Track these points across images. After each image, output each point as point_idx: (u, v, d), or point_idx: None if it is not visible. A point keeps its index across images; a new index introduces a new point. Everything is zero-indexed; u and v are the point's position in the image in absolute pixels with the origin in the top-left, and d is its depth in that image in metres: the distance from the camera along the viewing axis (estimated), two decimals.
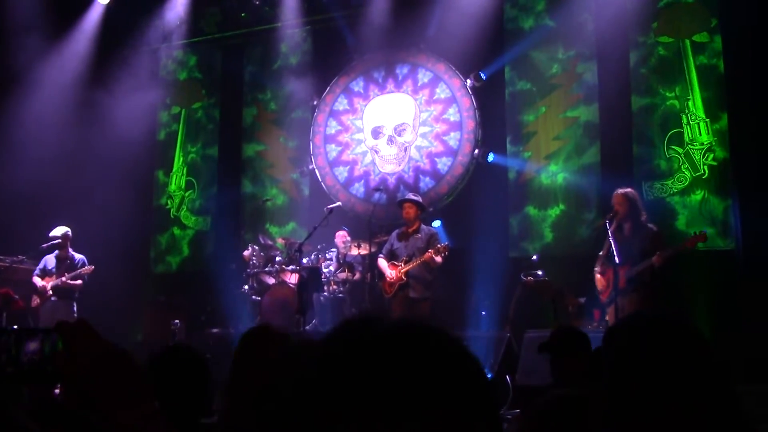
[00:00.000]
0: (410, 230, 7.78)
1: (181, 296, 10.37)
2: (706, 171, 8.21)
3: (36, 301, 8.51)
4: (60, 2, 10.41)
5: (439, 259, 7.40)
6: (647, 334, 1.45)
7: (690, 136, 8.34)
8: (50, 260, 8.61)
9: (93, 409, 1.10)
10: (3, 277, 8.80)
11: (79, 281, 8.47)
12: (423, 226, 7.86)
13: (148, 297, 10.83)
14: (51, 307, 8.32)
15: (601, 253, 6.71)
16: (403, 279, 7.53)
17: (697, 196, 8.22)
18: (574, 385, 3.24)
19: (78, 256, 8.62)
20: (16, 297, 8.75)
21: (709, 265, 7.92)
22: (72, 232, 8.70)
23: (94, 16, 11.08)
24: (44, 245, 8.58)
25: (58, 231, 8.54)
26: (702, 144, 8.27)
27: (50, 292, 8.40)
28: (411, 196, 8.06)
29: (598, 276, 6.74)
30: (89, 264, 8.58)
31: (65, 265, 8.53)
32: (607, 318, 6.86)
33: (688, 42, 8.50)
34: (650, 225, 6.63)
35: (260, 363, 2.69)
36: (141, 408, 1.10)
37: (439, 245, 7.40)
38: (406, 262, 7.57)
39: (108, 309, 9.55)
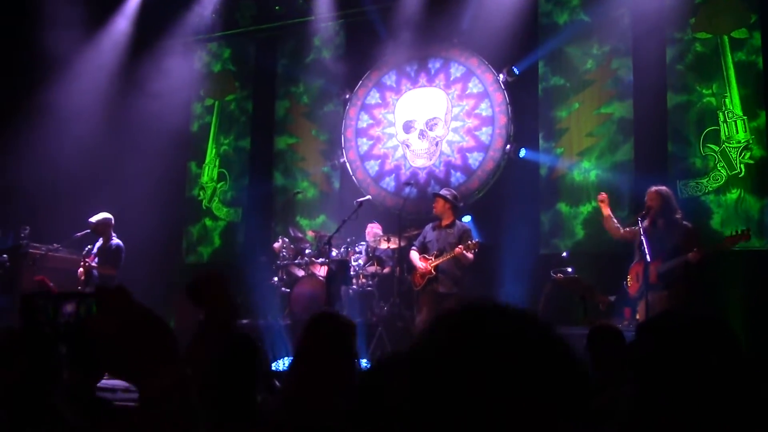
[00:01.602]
0: (444, 224, 7.76)
1: None
2: (743, 169, 8.07)
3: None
4: None
5: (470, 255, 7.38)
6: (680, 333, 1.43)
7: (726, 134, 8.20)
8: (90, 248, 8.67)
9: (124, 372, 1.11)
10: (38, 265, 8.97)
11: (112, 269, 8.47)
12: (457, 222, 7.84)
13: (179, 287, 10.92)
14: None
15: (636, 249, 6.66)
16: (432, 273, 7.52)
17: (733, 195, 8.09)
18: (614, 380, 3.24)
19: (115, 242, 8.62)
20: (51, 285, 8.91)
21: (743, 265, 7.79)
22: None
23: (130, 8, 11.22)
24: (78, 233, 8.70)
25: (95, 218, 8.60)
26: (739, 142, 8.13)
27: (83, 278, 8.46)
28: (443, 191, 8.04)
29: (621, 228, 6.79)
30: (125, 250, 8.62)
31: (104, 250, 8.58)
32: (637, 317, 6.80)
33: (726, 38, 8.35)
34: (685, 222, 6.56)
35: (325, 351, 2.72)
36: (172, 372, 1.11)
37: (470, 242, 7.38)
38: (436, 257, 7.56)
39: (140, 298, 9.61)
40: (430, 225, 7.92)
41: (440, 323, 0.97)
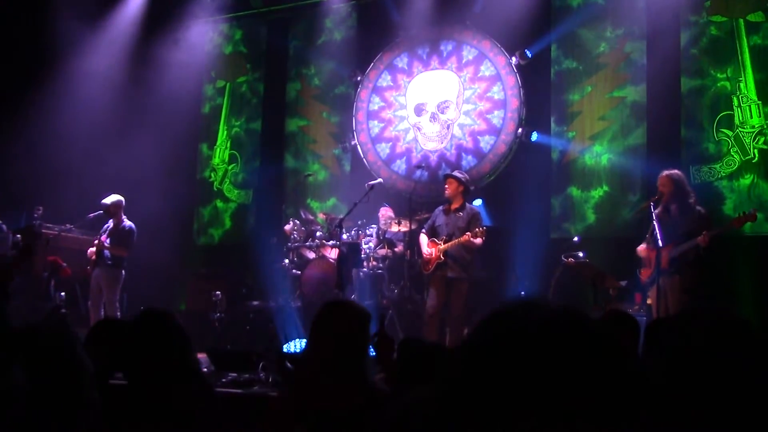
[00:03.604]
0: (453, 208, 7.69)
1: (222, 268, 10.51)
2: (756, 155, 8.02)
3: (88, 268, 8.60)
4: None
5: (478, 241, 7.33)
6: (705, 333, 1.39)
7: (740, 118, 8.14)
8: (105, 228, 8.61)
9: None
10: (52, 245, 9.01)
11: (123, 250, 8.47)
12: (467, 205, 7.74)
13: (190, 268, 10.99)
14: (96, 275, 8.42)
15: (648, 236, 6.64)
16: (441, 258, 7.47)
17: (746, 180, 8.04)
18: None
19: (127, 223, 8.55)
20: (64, 265, 8.97)
21: (756, 250, 7.76)
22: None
23: None
24: (90, 214, 8.72)
25: (108, 200, 8.60)
26: (753, 127, 8.06)
27: (93, 257, 8.46)
28: (456, 173, 7.97)
29: (642, 246, 6.68)
30: (137, 231, 8.61)
31: (116, 232, 8.55)
32: (648, 302, 6.79)
33: (742, 21, 8.26)
34: (698, 207, 6.51)
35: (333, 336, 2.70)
36: None
37: (477, 229, 7.31)
38: (445, 241, 7.50)
39: (152, 278, 9.76)
40: (441, 208, 7.86)
41: (492, 318, 0.98)
